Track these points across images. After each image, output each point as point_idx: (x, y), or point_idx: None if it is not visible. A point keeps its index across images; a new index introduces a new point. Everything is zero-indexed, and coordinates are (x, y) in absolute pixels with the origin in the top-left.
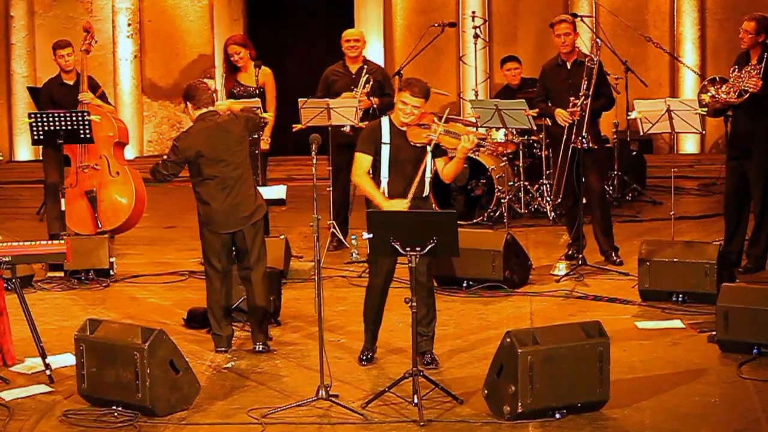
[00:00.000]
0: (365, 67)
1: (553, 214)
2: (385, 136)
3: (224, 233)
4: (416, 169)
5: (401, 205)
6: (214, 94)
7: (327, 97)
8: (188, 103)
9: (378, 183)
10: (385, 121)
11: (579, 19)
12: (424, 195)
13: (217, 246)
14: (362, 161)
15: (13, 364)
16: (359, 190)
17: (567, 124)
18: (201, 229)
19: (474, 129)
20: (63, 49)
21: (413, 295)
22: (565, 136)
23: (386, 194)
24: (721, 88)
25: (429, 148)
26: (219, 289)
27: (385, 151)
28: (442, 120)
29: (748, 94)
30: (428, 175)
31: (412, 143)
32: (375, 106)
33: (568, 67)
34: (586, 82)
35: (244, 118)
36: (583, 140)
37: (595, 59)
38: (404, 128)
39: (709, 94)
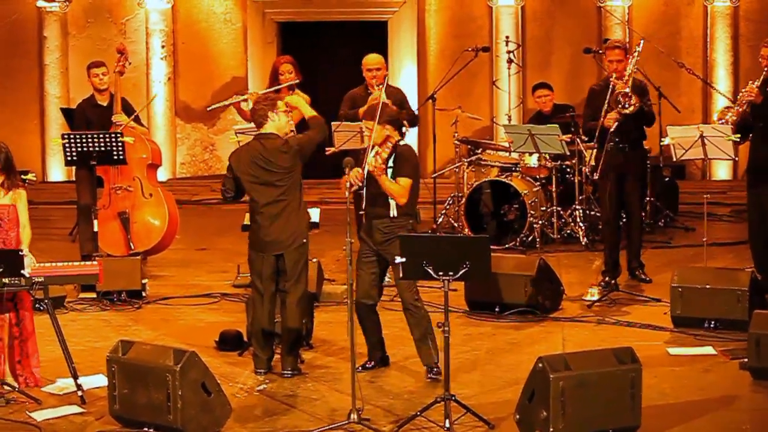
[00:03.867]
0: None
1: (585, 239)
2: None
3: (263, 255)
4: (380, 193)
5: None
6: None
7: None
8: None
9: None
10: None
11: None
12: (392, 215)
13: (257, 266)
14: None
15: (35, 385)
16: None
17: (615, 123)
18: (248, 247)
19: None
20: (98, 68)
21: (446, 319)
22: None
23: (363, 211)
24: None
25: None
26: (260, 310)
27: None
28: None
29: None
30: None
31: None
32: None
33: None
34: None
35: (296, 148)
36: (625, 105)
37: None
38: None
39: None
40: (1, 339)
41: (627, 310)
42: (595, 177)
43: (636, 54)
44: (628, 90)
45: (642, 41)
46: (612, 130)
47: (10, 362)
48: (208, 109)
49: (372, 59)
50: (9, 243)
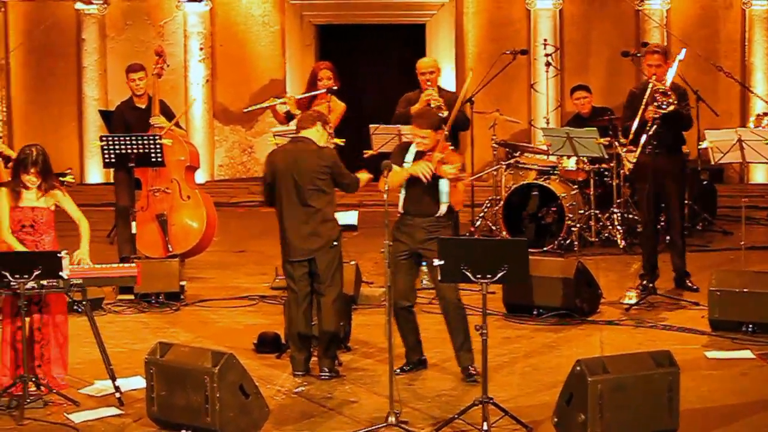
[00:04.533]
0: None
1: (623, 243)
2: (410, 156)
3: (293, 261)
4: (427, 192)
5: (425, 165)
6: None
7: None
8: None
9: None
10: (414, 145)
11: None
12: (438, 214)
13: (289, 268)
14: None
15: (56, 388)
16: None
17: (654, 118)
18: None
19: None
20: (135, 73)
21: (484, 322)
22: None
23: (401, 209)
24: None
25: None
26: (296, 312)
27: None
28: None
29: None
30: (443, 199)
31: None
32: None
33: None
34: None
35: (328, 162)
36: (663, 104)
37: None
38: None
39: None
40: (5, 340)
41: (665, 313)
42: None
43: (677, 61)
44: (665, 88)
45: (684, 50)
46: (650, 132)
47: (30, 366)
48: (245, 110)
49: (425, 63)
50: (42, 246)
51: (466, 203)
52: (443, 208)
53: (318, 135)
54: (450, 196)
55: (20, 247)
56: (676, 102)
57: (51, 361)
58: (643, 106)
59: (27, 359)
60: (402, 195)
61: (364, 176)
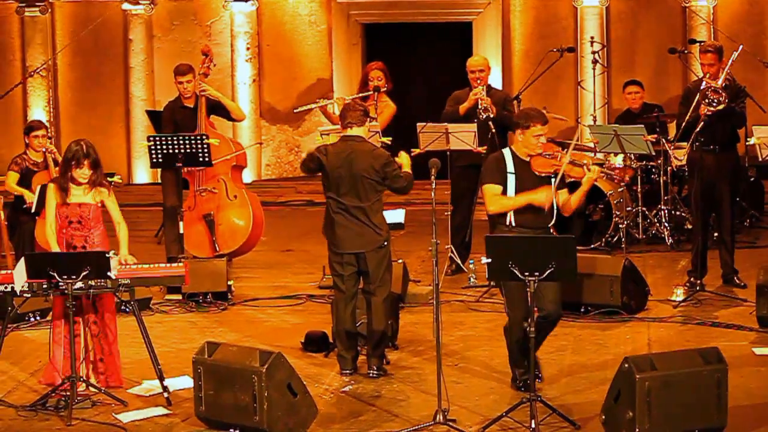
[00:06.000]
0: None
1: (670, 240)
2: (510, 166)
3: (343, 253)
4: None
5: (550, 193)
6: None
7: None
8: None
9: (504, 213)
10: (507, 152)
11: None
12: (549, 224)
13: (337, 266)
14: (494, 191)
15: (119, 385)
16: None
17: (706, 114)
18: (328, 247)
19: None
20: (183, 76)
21: (532, 319)
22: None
23: (512, 223)
24: None
25: (554, 180)
26: (343, 310)
27: (511, 181)
28: (568, 150)
29: None
30: (554, 206)
31: (537, 173)
32: (487, 106)
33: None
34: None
35: (382, 162)
36: (714, 101)
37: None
38: (527, 159)
39: None
40: (78, 340)
41: (712, 310)
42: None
43: (731, 60)
44: (717, 86)
45: (741, 47)
46: (698, 130)
47: (81, 365)
48: (295, 110)
49: (475, 61)
50: (91, 241)
51: None
52: (554, 217)
53: (364, 131)
54: (574, 201)
55: (57, 249)
56: (726, 100)
57: (113, 354)
58: (694, 104)
59: (75, 359)
60: None
61: (405, 159)
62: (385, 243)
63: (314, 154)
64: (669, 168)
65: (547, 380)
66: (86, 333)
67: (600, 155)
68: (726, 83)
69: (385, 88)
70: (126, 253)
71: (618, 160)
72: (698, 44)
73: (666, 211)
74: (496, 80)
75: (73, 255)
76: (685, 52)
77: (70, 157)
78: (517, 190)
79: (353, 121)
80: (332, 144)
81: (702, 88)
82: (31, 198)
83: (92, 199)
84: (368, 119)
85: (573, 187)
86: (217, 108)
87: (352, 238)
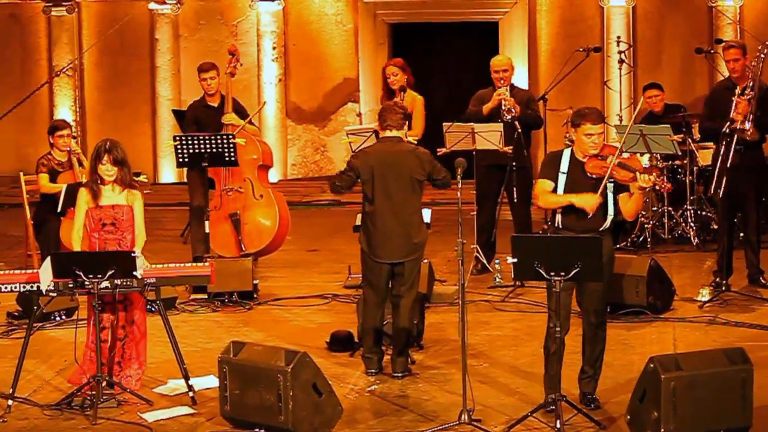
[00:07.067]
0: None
1: (696, 240)
2: (564, 166)
3: (381, 263)
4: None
5: (594, 199)
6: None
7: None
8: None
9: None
10: (566, 152)
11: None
12: (601, 228)
13: (375, 272)
14: (543, 186)
15: (129, 387)
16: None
17: (741, 119)
18: (362, 252)
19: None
20: (206, 73)
21: (557, 320)
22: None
23: (559, 225)
24: None
25: (604, 181)
26: (374, 313)
27: (561, 181)
28: (617, 153)
29: None
30: (610, 212)
31: (589, 174)
32: (511, 106)
33: (738, 91)
34: (751, 82)
35: (427, 160)
36: (746, 130)
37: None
38: (584, 159)
39: None
40: (105, 341)
41: (738, 310)
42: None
43: (760, 60)
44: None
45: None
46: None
47: (110, 363)
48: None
49: (499, 61)
50: (125, 245)
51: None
52: (608, 222)
53: (402, 133)
54: (631, 205)
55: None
56: (752, 133)
57: (132, 357)
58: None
59: (100, 359)
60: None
61: None
62: (422, 249)
63: (349, 164)
64: (695, 168)
65: (572, 380)
66: (114, 335)
67: (626, 155)
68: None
69: (406, 85)
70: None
71: (644, 160)
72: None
73: (692, 211)
74: (522, 80)
75: (98, 254)
76: (712, 52)
77: (94, 155)
78: (567, 190)
79: (392, 123)
80: (370, 146)
81: (730, 127)
82: None
83: (126, 201)
84: (407, 122)
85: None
86: (240, 112)
87: (392, 246)
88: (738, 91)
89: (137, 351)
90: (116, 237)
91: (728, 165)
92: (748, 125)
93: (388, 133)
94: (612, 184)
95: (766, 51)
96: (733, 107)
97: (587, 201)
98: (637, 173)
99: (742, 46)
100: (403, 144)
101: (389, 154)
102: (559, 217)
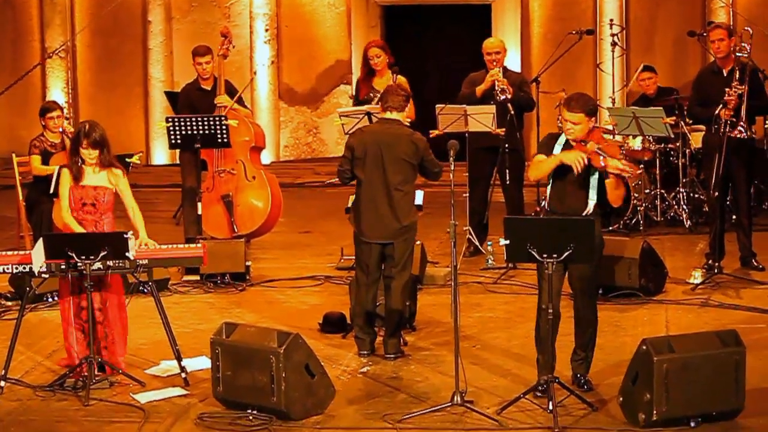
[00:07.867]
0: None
1: (689, 222)
2: (558, 148)
3: (371, 242)
4: (576, 187)
5: (576, 154)
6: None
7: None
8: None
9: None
10: (563, 135)
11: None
12: (584, 213)
13: (366, 252)
14: (537, 158)
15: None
16: (536, 178)
17: (729, 117)
18: (354, 234)
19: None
20: (202, 57)
21: (550, 301)
22: (722, 129)
23: (547, 208)
24: None
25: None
26: (365, 294)
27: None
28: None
29: None
30: (591, 196)
31: None
32: (504, 87)
33: (724, 74)
34: (738, 75)
35: (422, 147)
36: (742, 129)
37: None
38: (574, 144)
39: None
40: (100, 321)
41: (731, 293)
42: (749, 134)
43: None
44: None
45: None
46: (716, 113)
47: (97, 347)
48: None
49: (492, 43)
50: (101, 227)
51: (531, 182)
52: (591, 206)
53: (404, 115)
54: (609, 191)
55: (79, 229)
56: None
57: (115, 341)
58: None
59: (93, 339)
60: (548, 188)
61: None
62: (412, 231)
63: (347, 143)
64: (687, 150)
65: (565, 362)
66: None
67: (619, 137)
68: (736, 66)
69: (390, 67)
70: (145, 236)
71: (637, 143)
72: None
73: (684, 194)
74: (514, 63)
75: (91, 236)
76: (704, 35)
77: (74, 137)
78: (557, 172)
79: (394, 105)
80: (368, 126)
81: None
82: None
83: (107, 182)
84: (407, 106)
85: None
86: (233, 94)
87: (381, 227)
88: (725, 73)
89: (123, 334)
90: (94, 218)
91: (720, 151)
92: (740, 127)
93: (388, 115)
94: (597, 172)
95: (751, 36)
96: (722, 105)
97: (574, 156)
98: (604, 158)
99: (727, 27)
100: (401, 127)
101: (386, 134)
102: (547, 201)
